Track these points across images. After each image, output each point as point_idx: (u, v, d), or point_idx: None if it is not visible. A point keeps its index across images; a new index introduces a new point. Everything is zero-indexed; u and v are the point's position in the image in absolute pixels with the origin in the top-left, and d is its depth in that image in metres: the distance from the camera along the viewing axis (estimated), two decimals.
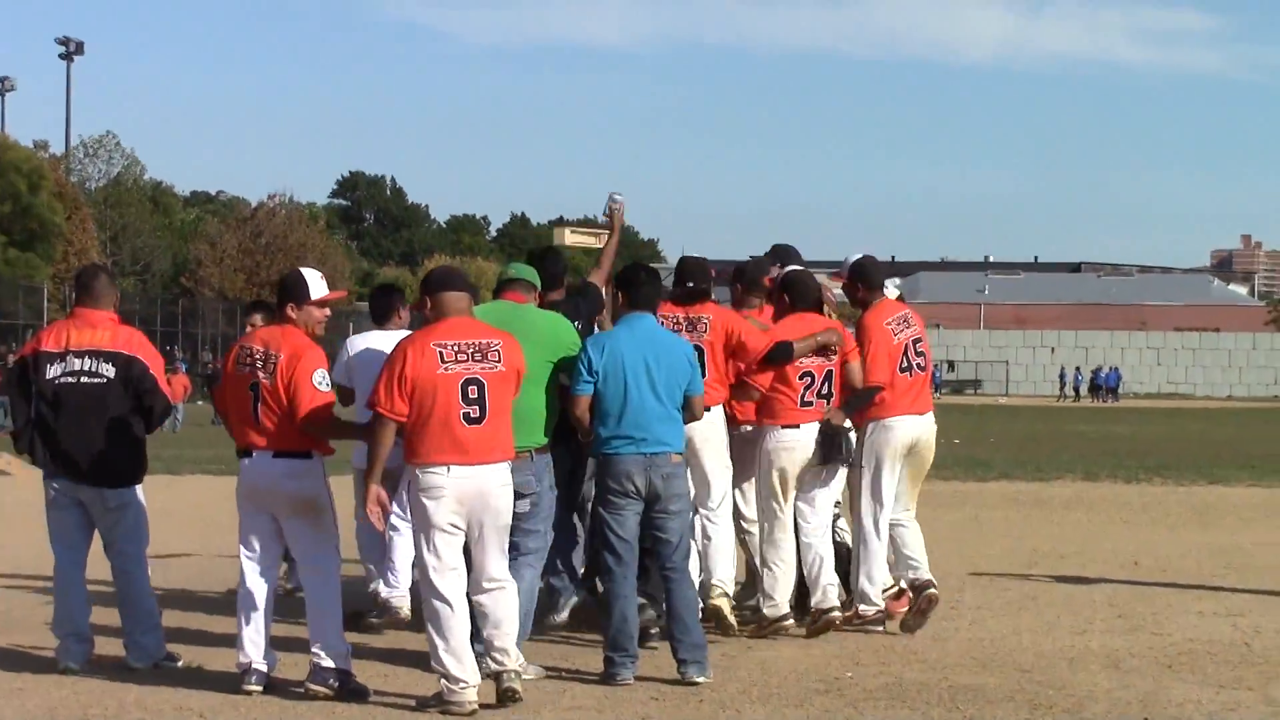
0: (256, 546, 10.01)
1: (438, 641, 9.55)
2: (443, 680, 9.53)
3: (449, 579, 9.59)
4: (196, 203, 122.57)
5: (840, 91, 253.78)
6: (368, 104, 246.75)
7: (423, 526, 9.64)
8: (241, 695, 9.81)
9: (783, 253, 12.94)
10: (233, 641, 10.14)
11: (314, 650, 9.87)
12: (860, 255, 12.49)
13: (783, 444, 11.85)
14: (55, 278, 74.15)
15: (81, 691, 10.01)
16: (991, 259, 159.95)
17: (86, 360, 10.44)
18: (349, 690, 9.77)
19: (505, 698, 9.62)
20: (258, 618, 9.94)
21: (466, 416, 9.56)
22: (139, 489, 10.64)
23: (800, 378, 11.80)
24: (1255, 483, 27.99)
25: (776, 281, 12.41)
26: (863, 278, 12.40)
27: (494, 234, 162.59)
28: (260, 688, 9.85)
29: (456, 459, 9.53)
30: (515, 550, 10.27)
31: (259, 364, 9.83)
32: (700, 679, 10.27)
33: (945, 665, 11.04)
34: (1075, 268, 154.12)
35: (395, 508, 11.44)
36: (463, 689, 9.46)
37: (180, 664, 10.65)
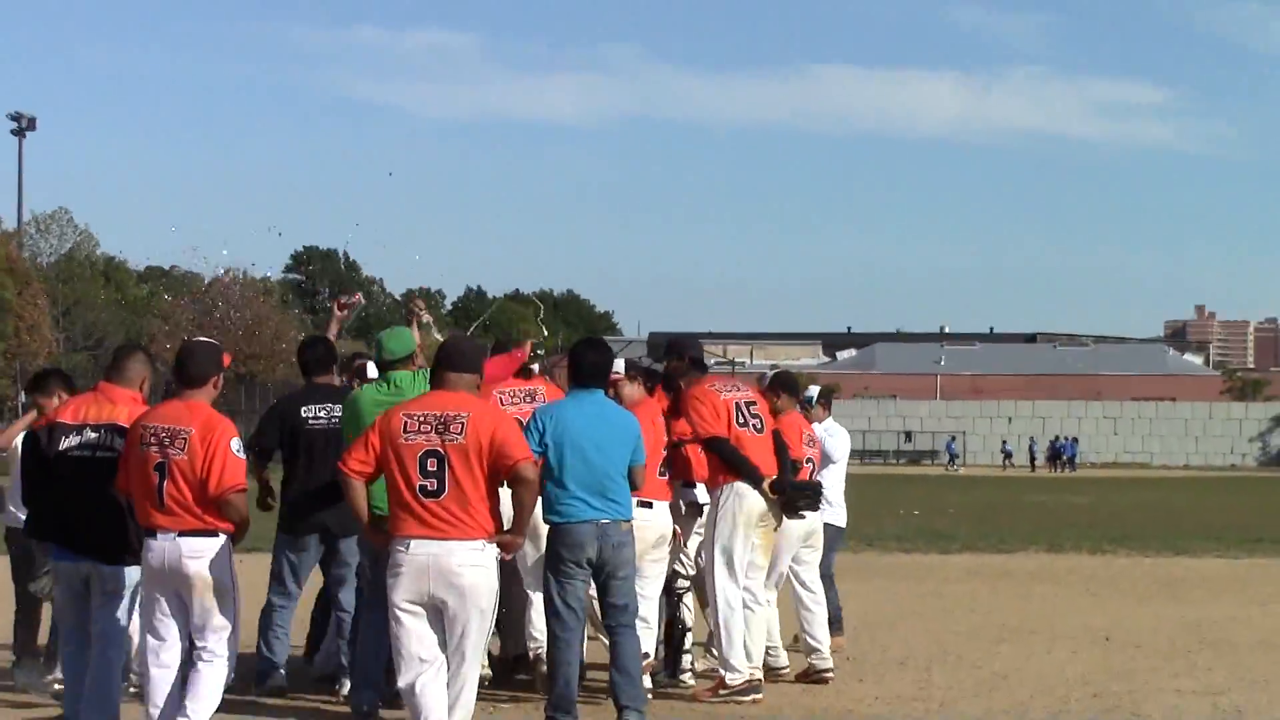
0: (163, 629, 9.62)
1: None
2: None
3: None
4: (151, 278, 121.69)
5: (795, 166, 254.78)
6: (320, 179, 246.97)
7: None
8: None
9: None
10: None
11: None
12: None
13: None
14: (6, 354, 73.33)
15: None
16: (948, 330, 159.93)
17: (103, 434, 10.03)
18: None
19: None
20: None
21: (424, 490, 9.23)
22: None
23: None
24: (1222, 554, 27.70)
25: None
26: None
27: (449, 308, 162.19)
28: None
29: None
30: None
31: (165, 442, 9.51)
32: None
33: None
34: (1031, 338, 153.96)
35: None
36: None
37: None
